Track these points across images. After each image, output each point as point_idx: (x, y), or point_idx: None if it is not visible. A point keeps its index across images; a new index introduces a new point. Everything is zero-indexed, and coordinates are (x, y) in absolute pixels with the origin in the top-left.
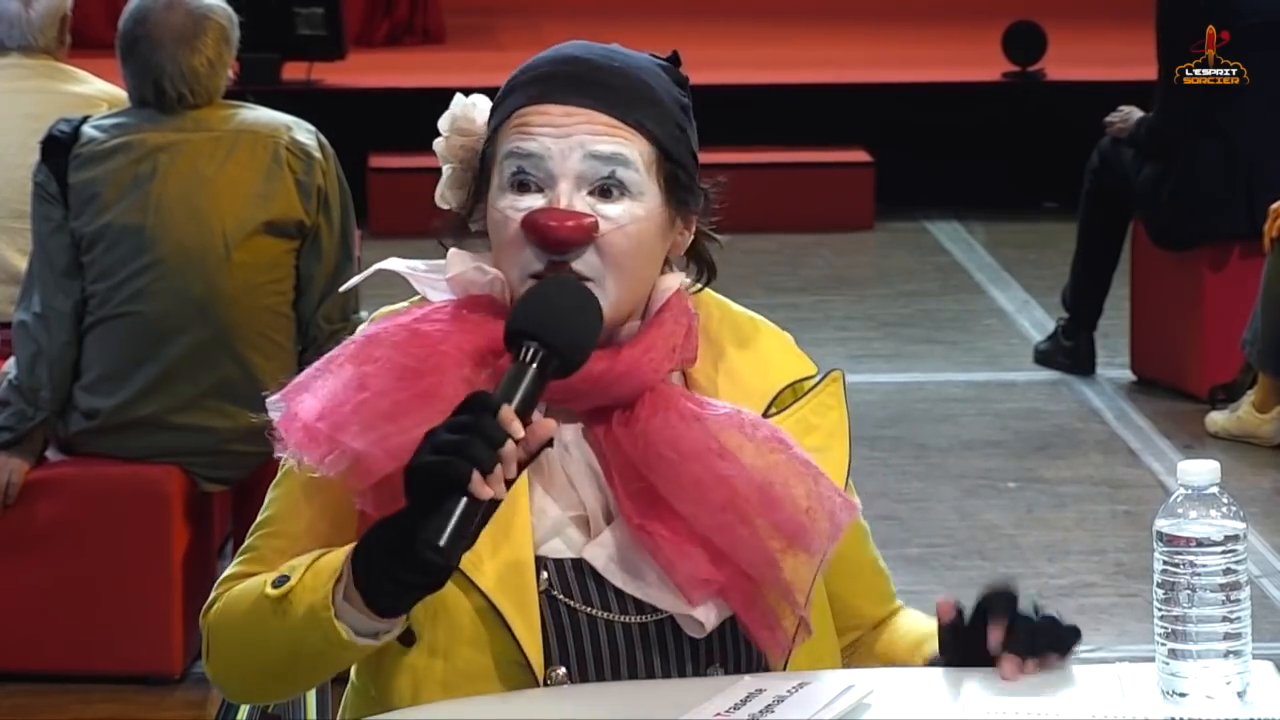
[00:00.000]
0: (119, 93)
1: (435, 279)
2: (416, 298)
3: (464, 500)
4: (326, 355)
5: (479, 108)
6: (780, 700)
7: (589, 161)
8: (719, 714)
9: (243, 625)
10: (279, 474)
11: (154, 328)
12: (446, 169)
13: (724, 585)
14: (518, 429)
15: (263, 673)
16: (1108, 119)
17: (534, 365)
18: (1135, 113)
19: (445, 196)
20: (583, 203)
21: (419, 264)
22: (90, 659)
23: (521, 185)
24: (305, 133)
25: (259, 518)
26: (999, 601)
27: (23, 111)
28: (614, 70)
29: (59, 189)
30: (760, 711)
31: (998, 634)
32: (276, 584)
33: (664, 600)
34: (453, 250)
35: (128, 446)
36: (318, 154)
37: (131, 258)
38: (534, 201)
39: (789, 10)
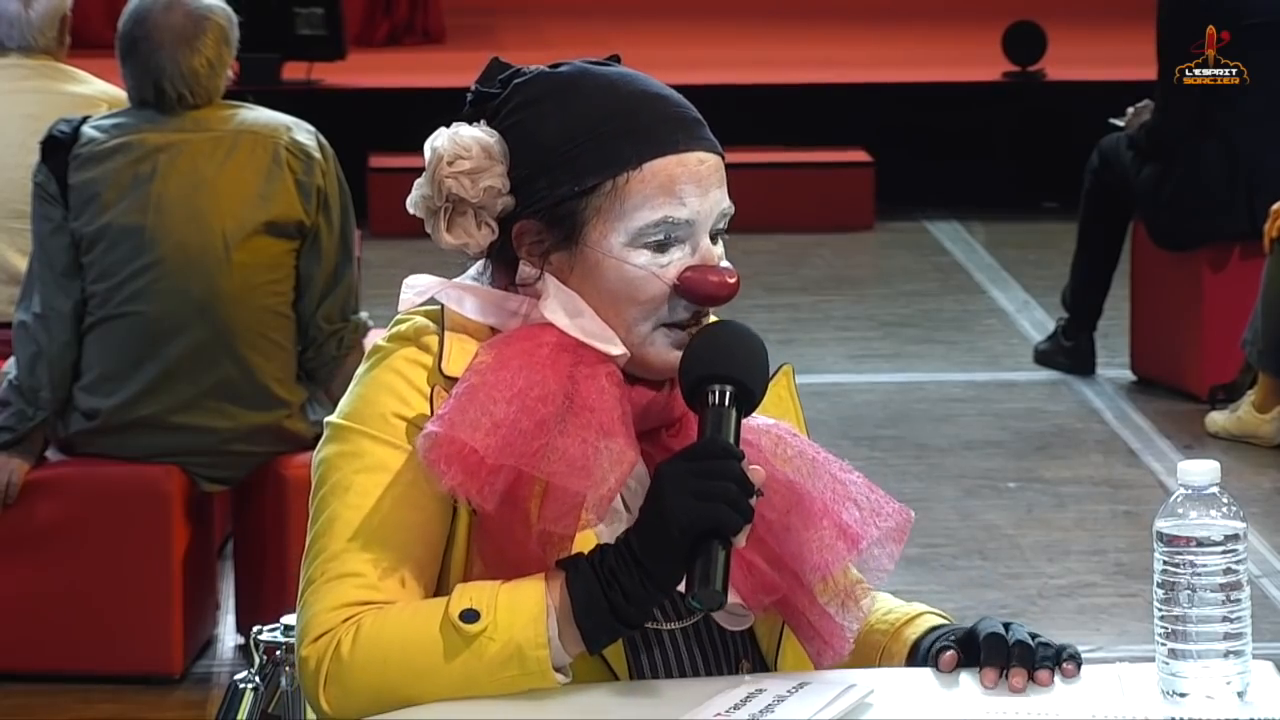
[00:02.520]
0: (119, 93)
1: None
2: (429, 307)
3: (728, 547)
4: (461, 389)
5: (486, 138)
6: (780, 700)
7: (720, 218)
8: (719, 714)
9: (411, 657)
10: (327, 487)
11: (154, 328)
12: (469, 212)
13: (784, 593)
14: (756, 476)
15: (415, 702)
16: (1116, 122)
17: (733, 408)
18: (1149, 109)
19: (468, 236)
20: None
21: (467, 288)
22: (90, 659)
23: (662, 245)
24: (305, 133)
25: (335, 538)
26: (993, 646)
27: (23, 111)
28: (688, 104)
29: (59, 189)
30: (760, 711)
31: (991, 677)
32: (466, 618)
33: None
34: (551, 295)
35: (128, 446)
36: (317, 154)
37: (131, 258)
38: (676, 256)
39: (790, 10)
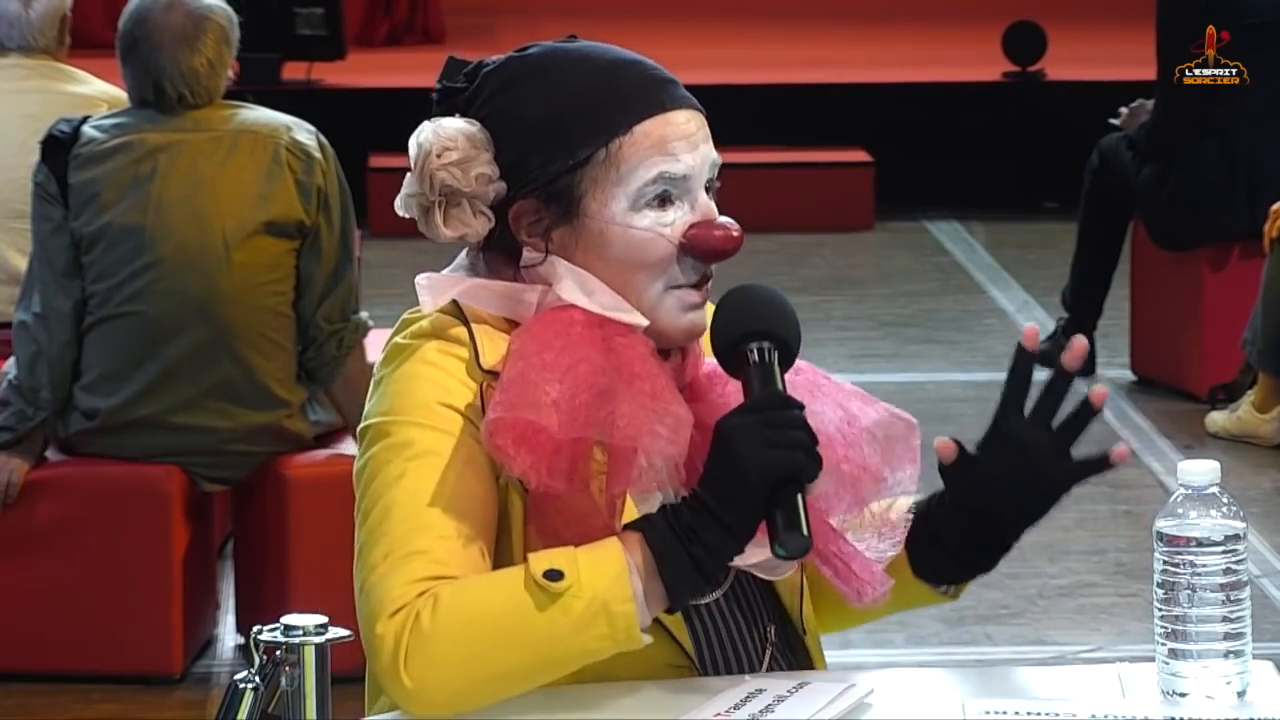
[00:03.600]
0: (119, 93)
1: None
2: (438, 303)
3: (804, 493)
4: (509, 376)
5: (469, 128)
6: (780, 700)
7: (711, 169)
8: (719, 714)
9: (496, 620)
10: (378, 481)
11: (154, 328)
12: (463, 203)
13: (820, 537)
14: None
15: (499, 674)
16: (1114, 121)
17: (775, 363)
18: (1146, 106)
19: (465, 227)
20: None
21: (474, 282)
22: (90, 659)
23: (664, 201)
24: (305, 133)
25: (396, 523)
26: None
27: (23, 111)
28: (661, 67)
29: (59, 189)
30: (760, 711)
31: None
32: (551, 577)
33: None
34: (564, 276)
35: (128, 446)
36: (318, 154)
37: (131, 258)
38: (678, 215)
39: (789, 10)
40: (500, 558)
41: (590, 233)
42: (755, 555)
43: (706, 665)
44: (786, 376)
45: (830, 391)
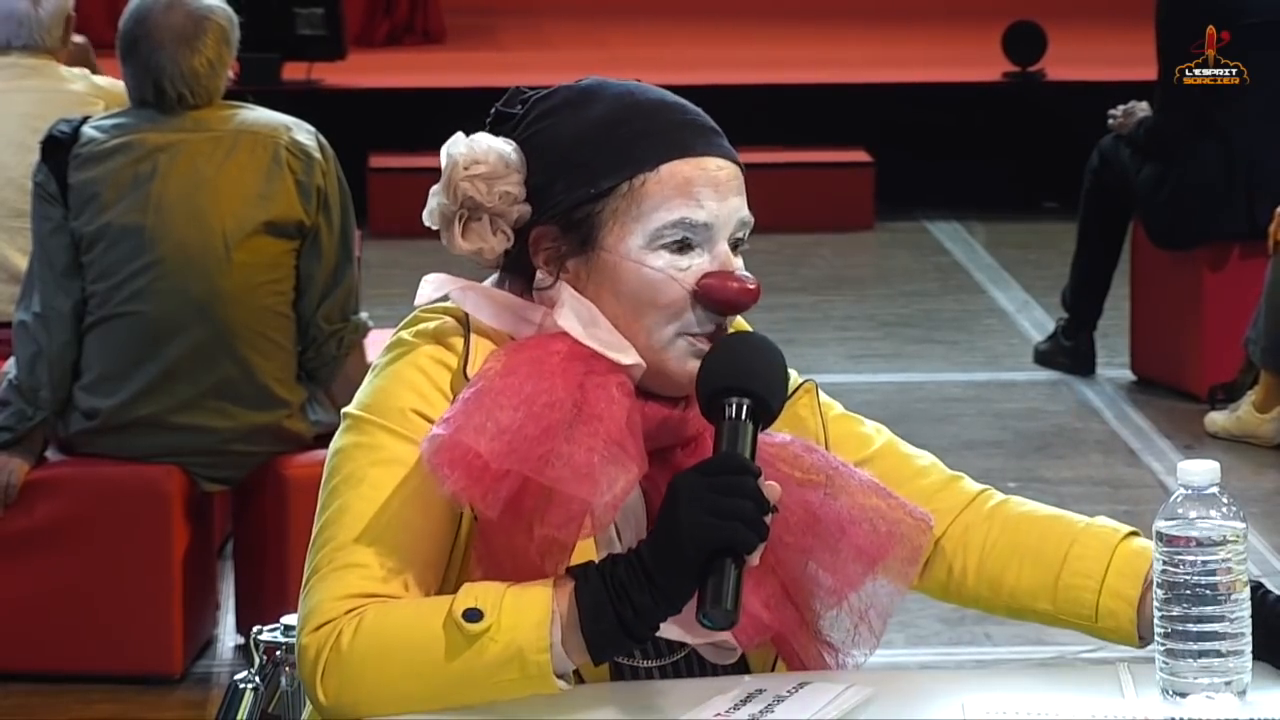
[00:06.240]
0: (115, 82)
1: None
2: (448, 305)
3: (740, 566)
4: (468, 394)
5: (504, 146)
6: (780, 700)
7: (740, 226)
8: (719, 714)
9: (411, 652)
10: (340, 477)
11: (154, 328)
12: (484, 218)
13: (778, 629)
14: (772, 492)
15: (412, 698)
16: (1111, 111)
17: (750, 421)
18: (1139, 107)
19: (482, 242)
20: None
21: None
22: (90, 659)
23: (683, 246)
24: (305, 133)
25: (344, 528)
26: None
27: (21, 111)
28: (704, 114)
29: (59, 189)
30: (760, 711)
31: None
32: (469, 618)
33: (695, 631)
34: (565, 302)
35: (128, 446)
36: (318, 154)
37: (131, 258)
38: (695, 261)
39: (789, 10)
40: (449, 571)
41: (604, 266)
42: (708, 635)
43: None
44: (795, 451)
45: (844, 479)
